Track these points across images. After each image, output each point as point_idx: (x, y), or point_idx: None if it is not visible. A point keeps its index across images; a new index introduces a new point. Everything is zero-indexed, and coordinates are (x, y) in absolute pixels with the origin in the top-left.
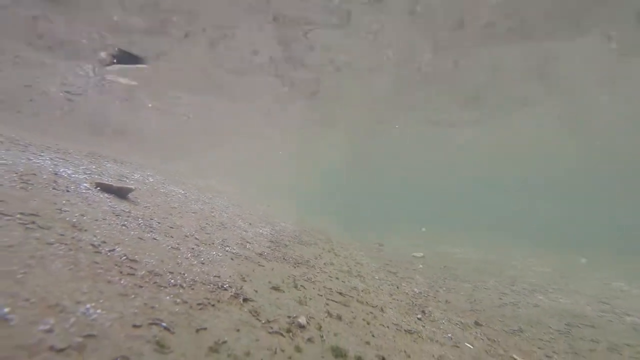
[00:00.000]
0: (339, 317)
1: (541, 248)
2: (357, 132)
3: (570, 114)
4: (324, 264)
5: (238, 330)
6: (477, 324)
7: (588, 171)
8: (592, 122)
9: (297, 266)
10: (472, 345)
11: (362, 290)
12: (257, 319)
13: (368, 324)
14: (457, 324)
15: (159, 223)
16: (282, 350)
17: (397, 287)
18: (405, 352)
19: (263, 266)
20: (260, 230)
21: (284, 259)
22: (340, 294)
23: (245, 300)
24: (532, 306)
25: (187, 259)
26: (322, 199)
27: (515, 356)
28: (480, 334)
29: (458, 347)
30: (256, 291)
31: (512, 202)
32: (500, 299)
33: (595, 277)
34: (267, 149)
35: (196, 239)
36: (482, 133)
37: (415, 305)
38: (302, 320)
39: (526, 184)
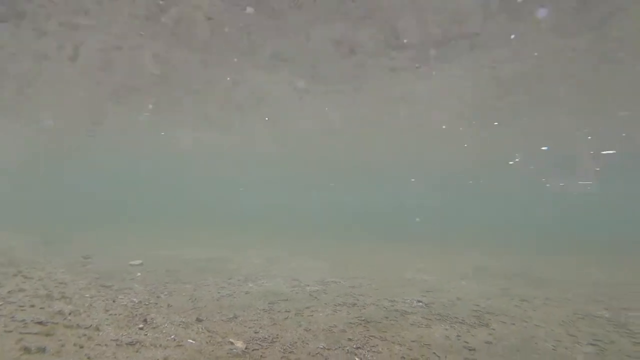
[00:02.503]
0: (42, 350)
1: (260, 239)
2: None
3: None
4: (9, 292)
5: None
6: (198, 320)
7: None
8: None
9: None
10: (194, 340)
11: (69, 313)
12: None
13: (81, 347)
14: (179, 324)
15: None
16: None
17: (114, 301)
18: None
19: None
20: None
21: None
22: (40, 323)
23: None
24: (244, 294)
25: None
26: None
27: (231, 340)
28: (202, 329)
29: (181, 345)
30: None
31: (234, 199)
32: (219, 292)
33: (294, 261)
34: None
35: None
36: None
37: (136, 315)
38: None
39: (248, 181)
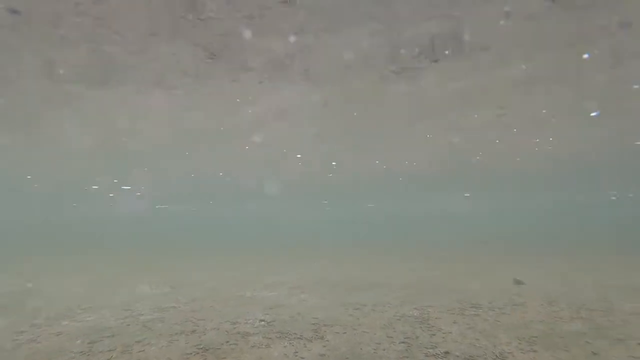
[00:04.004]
0: None
1: (81, 261)
2: None
3: None
4: None
5: None
6: None
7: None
8: None
9: None
10: None
11: None
12: None
13: None
14: None
15: None
16: None
17: None
18: None
19: None
20: None
21: None
22: None
23: None
24: (55, 336)
25: None
26: None
27: None
28: None
29: None
30: None
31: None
32: (15, 339)
33: (126, 285)
34: None
35: None
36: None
37: None
38: None
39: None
